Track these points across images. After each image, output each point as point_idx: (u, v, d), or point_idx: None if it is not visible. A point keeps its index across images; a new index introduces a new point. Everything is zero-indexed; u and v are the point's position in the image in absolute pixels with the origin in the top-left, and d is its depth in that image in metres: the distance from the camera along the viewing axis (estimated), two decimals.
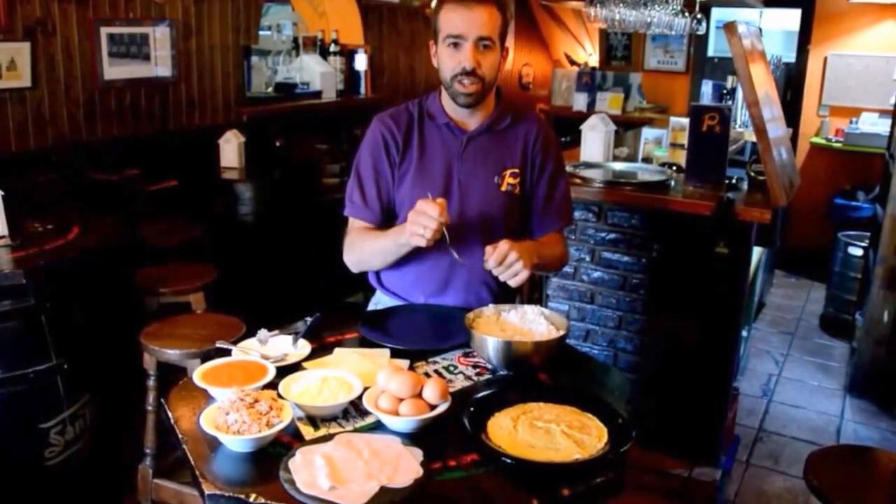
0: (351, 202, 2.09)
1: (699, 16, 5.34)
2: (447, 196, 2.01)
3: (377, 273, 2.16)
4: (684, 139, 3.27)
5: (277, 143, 4.55)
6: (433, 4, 1.99)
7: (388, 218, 2.09)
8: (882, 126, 5.72)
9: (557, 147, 2.18)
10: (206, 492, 1.27)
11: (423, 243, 1.80)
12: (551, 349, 1.70)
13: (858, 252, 4.82)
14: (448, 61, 1.94)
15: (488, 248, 1.80)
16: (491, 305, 1.88)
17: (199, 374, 1.56)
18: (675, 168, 3.32)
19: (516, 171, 2.07)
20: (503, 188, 2.06)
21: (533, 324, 1.79)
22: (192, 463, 1.35)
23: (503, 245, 1.78)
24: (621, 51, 7.32)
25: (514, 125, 2.09)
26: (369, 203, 2.06)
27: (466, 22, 1.89)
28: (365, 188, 2.07)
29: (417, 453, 1.34)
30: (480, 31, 1.90)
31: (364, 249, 2.06)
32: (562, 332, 1.73)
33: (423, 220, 1.78)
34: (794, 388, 4.18)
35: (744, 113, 4.47)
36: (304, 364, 1.68)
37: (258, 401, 1.41)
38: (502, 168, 2.06)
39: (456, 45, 1.91)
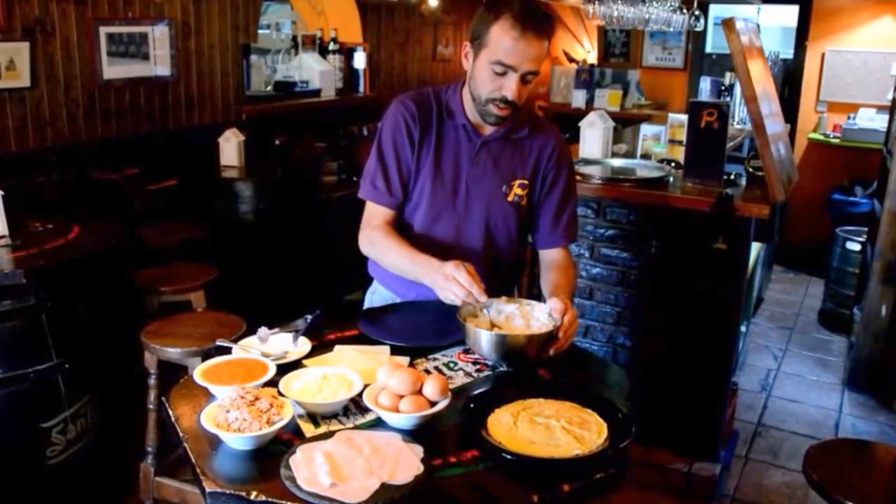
0: (373, 186, 2.03)
1: (697, 12, 5.36)
2: (454, 199, 2.02)
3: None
4: (683, 135, 3.27)
5: (277, 142, 4.56)
6: (479, 12, 1.89)
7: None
8: (880, 121, 5.73)
9: (571, 165, 2.15)
10: (208, 489, 1.27)
11: (457, 302, 1.78)
12: (543, 342, 1.70)
13: (856, 247, 4.83)
14: (489, 83, 1.88)
15: (556, 309, 1.75)
16: (503, 299, 1.85)
17: (199, 372, 1.57)
18: (673, 164, 3.33)
19: (525, 182, 2.05)
20: (510, 198, 2.04)
21: (534, 319, 1.79)
22: (193, 461, 1.35)
23: (572, 322, 1.75)
24: (620, 48, 7.32)
25: (531, 136, 2.05)
26: (393, 189, 2.02)
27: (521, 55, 1.82)
28: (389, 174, 2.01)
29: (418, 450, 1.35)
30: (531, 66, 1.84)
31: (382, 254, 2.01)
32: (553, 326, 1.73)
33: (455, 287, 1.76)
34: (792, 382, 4.19)
35: (742, 109, 4.49)
36: (305, 361, 1.69)
37: (259, 398, 1.41)
38: (512, 178, 2.03)
39: (503, 73, 1.85)
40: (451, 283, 1.76)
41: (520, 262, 2.20)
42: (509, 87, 1.85)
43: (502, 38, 1.82)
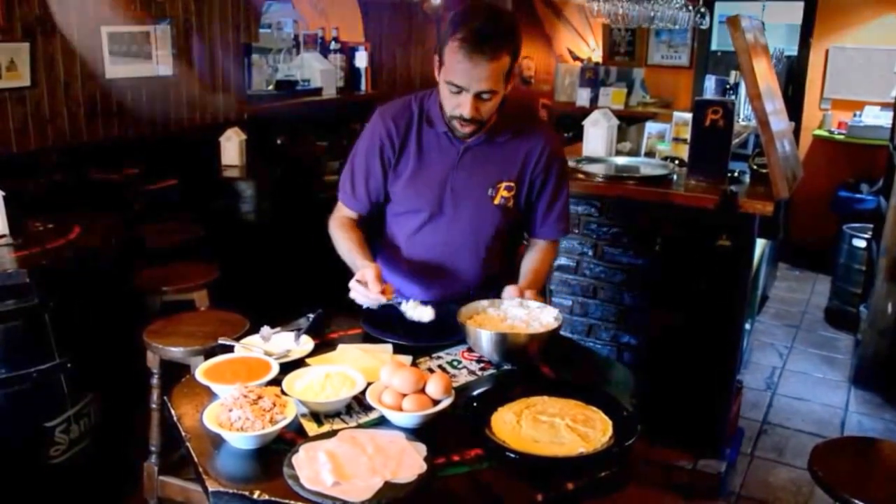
0: (343, 190, 2.16)
1: (702, 10, 5.34)
2: (440, 205, 2.03)
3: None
4: (687, 133, 3.26)
5: (278, 141, 4.55)
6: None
7: (375, 206, 2.14)
8: (885, 118, 5.70)
9: (562, 163, 2.15)
10: (210, 489, 1.27)
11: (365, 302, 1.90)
12: (545, 341, 1.69)
13: (862, 244, 4.80)
14: (448, 100, 1.91)
15: (510, 290, 1.90)
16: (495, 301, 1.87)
17: (201, 371, 1.56)
18: (677, 162, 3.32)
19: (511, 184, 2.05)
20: (496, 201, 2.04)
21: (534, 319, 1.78)
22: (196, 460, 1.35)
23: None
24: (624, 46, 7.30)
25: (515, 138, 2.05)
26: (357, 196, 2.12)
27: (468, 77, 1.82)
28: (355, 182, 2.12)
29: (421, 448, 1.34)
30: (481, 86, 1.83)
31: (337, 243, 2.12)
32: (555, 325, 1.72)
33: (362, 292, 1.85)
34: (798, 380, 4.18)
35: (747, 107, 4.47)
36: (308, 360, 1.69)
37: (261, 397, 1.41)
38: (497, 181, 2.04)
39: (458, 91, 1.86)
40: (357, 285, 1.86)
41: (512, 267, 2.18)
42: (465, 105, 1.87)
43: (451, 59, 1.83)
